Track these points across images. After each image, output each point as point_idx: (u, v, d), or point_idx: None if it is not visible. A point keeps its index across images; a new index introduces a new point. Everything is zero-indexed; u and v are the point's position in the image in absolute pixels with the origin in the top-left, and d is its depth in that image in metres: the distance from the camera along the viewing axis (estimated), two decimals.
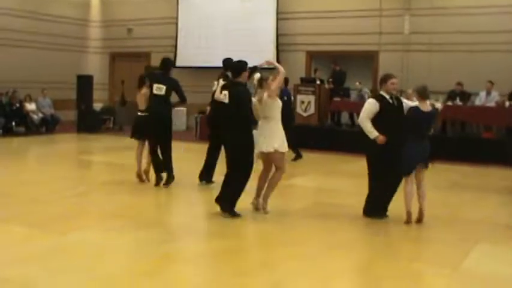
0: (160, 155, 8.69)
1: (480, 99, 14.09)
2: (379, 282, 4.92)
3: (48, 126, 17.21)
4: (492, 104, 13.78)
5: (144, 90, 8.90)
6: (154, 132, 8.61)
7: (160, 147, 8.63)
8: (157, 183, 8.66)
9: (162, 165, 8.64)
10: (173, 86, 8.61)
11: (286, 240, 6.22)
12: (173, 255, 5.47)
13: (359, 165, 12.16)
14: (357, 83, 15.76)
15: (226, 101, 6.91)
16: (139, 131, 8.93)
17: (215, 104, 8.30)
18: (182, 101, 8.81)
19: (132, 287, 4.57)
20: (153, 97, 8.55)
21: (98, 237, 6.03)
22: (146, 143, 8.93)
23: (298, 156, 11.98)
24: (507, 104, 13.61)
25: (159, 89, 8.50)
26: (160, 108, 8.51)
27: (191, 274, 4.91)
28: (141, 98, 8.96)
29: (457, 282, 5.01)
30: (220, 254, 5.65)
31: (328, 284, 4.83)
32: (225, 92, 6.96)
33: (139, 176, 8.94)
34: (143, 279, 4.72)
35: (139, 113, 9.01)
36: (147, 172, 8.95)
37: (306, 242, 6.15)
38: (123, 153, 10.97)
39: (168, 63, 8.93)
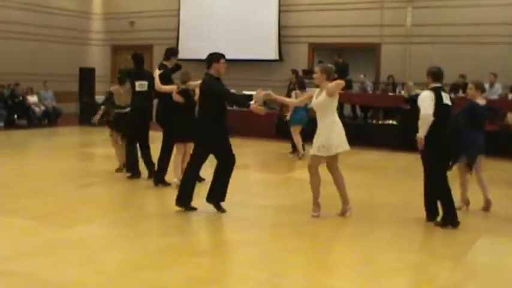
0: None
1: None
2: (381, 275, 4.93)
3: (50, 118, 17.23)
4: (495, 96, 13.75)
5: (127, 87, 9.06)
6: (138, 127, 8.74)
7: (141, 141, 8.77)
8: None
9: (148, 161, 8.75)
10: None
11: (288, 233, 6.22)
12: (177, 248, 5.48)
13: (360, 158, 12.25)
14: (361, 76, 15.76)
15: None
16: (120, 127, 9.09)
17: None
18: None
19: (137, 280, 4.57)
20: (136, 93, 8.69)
21: (101, 230, 6.05)
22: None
23: (295, 150, 11.81)
24: (510, 96, 13.60)
25: (142, 85, 8.65)
26: (144, 103, 8.67)
27: (195, 267, 4.92)
28: (123, 94, 9.10)
29: (460, 274, 5.02)
30: (222, 246, 5.67)
31: (330, 276, 4.84)
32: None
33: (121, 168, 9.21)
34: (148, 272, 4.72)
35: (119, 110, 9.13)
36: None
37: (307, 235, 6.17)
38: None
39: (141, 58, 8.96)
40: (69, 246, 5.41)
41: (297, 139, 11.38)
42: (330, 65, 6.91)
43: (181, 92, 7.81)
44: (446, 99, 6.50)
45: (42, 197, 7.47)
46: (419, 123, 6.38)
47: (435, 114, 6.37)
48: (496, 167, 11.13)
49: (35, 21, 18.78)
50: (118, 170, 9.20)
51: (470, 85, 7.39)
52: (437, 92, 6.43)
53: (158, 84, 8.14)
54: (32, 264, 4.83)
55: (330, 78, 6.66)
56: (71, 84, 18.38)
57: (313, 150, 6.62)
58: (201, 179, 7.73)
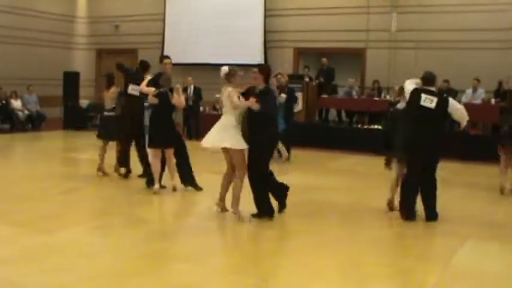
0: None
1: (466, 97, 14.17)
2: (368, 279, 4.91)
3: (34, 123, 17.06)
4: (478, 101, 13.88)
5: (113, 90, 9.26)
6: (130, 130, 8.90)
7: (136, 144, 8.95)
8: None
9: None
10: None
11: (275, 237, 6.21)
12: (163, 254, 5.43)
13: (347, 162, 12.28)
14: (354, 80, 15.80)
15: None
16: (107, 132, 9.25)
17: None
18: None
19: (119, 287, 4.52)
20: (127, 96, 8.87)
21: (86, 236, 5.98)
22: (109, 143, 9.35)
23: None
24: (493, 101, 13.73)
25: (135, 89, 8.75)
26: (135, 107, 8.83)
27: (182, 273, 4.87)
28: (109, 97, 9.30)
29: (447, 278, 5.02)
30: (210, 251, 5.63)
31: (316, 280, 4.81)
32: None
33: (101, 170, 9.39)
34: (134, 279, 4.67)
35: (105, 113, 9.33)
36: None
37: (295, 238, 6.15)
38: (109, 150, 10.92)
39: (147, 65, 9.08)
40: (51, 252, 5.33)
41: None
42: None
43: (157, 95, 8.01)
44: (425, 101, 6.78)
45: (26, 202, 7.37)
46: None
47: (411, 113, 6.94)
48: (479, 172, 11.21)
49: (19, 24, 18.59)
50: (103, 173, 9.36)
51: (396, 87, 7.82)
52: (417, 92, 6.89)
53: (142, 85, 8.42)
54: (13, 270, 4.75)
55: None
56: (55, 89, 18.21)
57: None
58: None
